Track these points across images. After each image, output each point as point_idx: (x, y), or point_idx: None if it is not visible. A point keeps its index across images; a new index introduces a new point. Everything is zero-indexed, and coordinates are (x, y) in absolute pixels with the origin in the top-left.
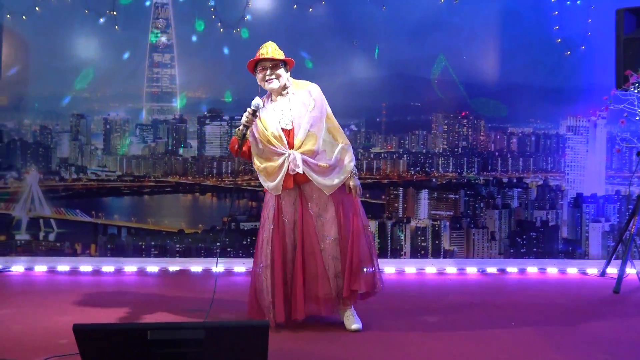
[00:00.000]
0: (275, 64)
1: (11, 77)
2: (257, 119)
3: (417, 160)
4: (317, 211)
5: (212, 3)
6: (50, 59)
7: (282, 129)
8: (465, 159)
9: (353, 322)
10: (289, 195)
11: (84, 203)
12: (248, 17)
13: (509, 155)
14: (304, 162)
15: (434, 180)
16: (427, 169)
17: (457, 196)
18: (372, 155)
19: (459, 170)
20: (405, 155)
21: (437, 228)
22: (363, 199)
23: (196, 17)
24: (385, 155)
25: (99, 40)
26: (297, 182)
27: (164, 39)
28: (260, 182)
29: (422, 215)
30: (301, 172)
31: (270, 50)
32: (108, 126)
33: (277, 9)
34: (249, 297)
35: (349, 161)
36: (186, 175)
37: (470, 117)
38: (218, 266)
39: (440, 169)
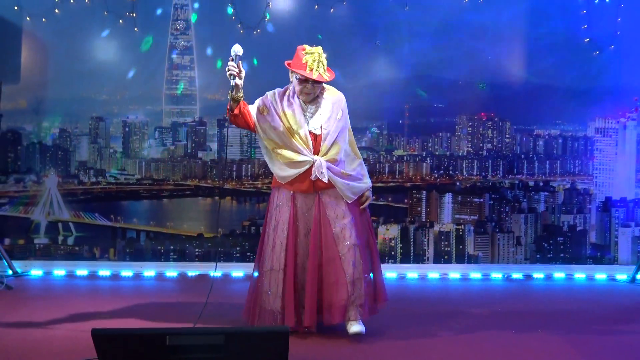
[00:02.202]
0: (317, 83)
1: (30, 79)
2: (282, 113)
3: (440, 163)
4: (334, 217)
5: (231, 4)
6: (70, 62)
7: (310, 132)
8: (490, 161)
9: (355, 324)
10: (307, 201)
11: (103, 207)
12: (268, 17)
13: (535, 158)
14: (328, 169)
15: (457, 183)
16: (450, 172)
17: (481, 200)
18: (394, 158)
19: (483, 174)
20: (428, 158)
21: (461, 232)
22: (386, 203)
23: (216, 19)
24: (408, 158)
25: (119, 42)
26: (317, 189)
27: (183, 40)
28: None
29: (446, 219)
30: (326, 181)
31: (321, 71)
32: (127, 129)
33: (298, 9)
34: (247, 298)
35: (367, 177)
36: (206, 179)
37: (495, 119)
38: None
39: (465, 172)
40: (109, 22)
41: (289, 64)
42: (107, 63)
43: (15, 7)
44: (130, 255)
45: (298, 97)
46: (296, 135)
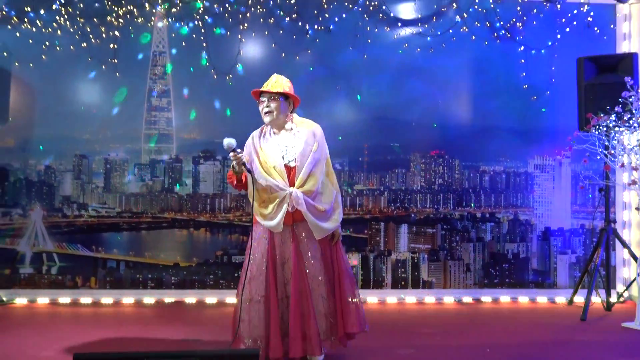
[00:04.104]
0: (272, 97)
1: (18, 120)
2: (259, 149)
3: (397, 197)
4: (307, 251)
5: (205, 53)
6: (55, 104)
7: (285, 165)
8: (441, 195)
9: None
10: (283, 232)
11: (85, 238)
12: (239, 65)
13: (481, 192)
14: (304, 201)
15: (412, 215)
16: (406, 204)
17: (434, 230)
18: (355, 192)
19: (435, 206)
20: (385, 192)
21: (416, 260)
22: (346, 234)
23: (191, 67)
24: (368, 192)
25: (101, 86)
26: (294, 220)
27: (161, 84)
28: (248, 218)
29: (402, 248)
30: (303, 210)
31: (272, 82)
32: (108, 166)
33: (266, 57)
34: (232, 328)
35: (340, 212)
36: (182, 212)
37: (446, 157)
38: (210, 297)
39: (419, 205)
40: (93, 67)
41: (254, 97)
42: (90, 105)
43: (5, 53)
44: (110, 284)
45: (274, 133)
46: (272, 169)
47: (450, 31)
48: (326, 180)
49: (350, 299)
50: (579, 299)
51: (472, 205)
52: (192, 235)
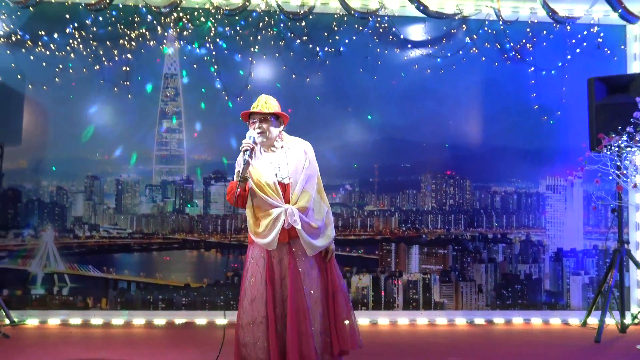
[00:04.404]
0: (264, 117)
1: (31, 141)
2: (252, 167)
3: (407, 218)
4: (304, 268)
5: (216, 74)
6: (68, 126)
7: (279, 182)
8: (452, 216)
9: None
10: (279, 250)
11: (96, 259)
12: (250, 86)
13: (493, 212)
14: (299, 218)
15: (423, 236)
16: (417, 225)
17: (445, 251)
18: (365, 213)
19: (447, 227)
20: (396, 213)
21: (427, 281)
22: (358, 254)
23: (203, 88)
24: (378, 213)
25: (113, 108)
26: (290, 237)
27: (172, 106)
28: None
29: (414, 269)
30: (299, 227)
31: (261, 103)
32: (120, 187)
33: (277, 78)
34: (234, 352)
35: (332, 228)
36: (192, 233)
37: (457, 177)
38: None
39: (430, 226)
40: (105, 89)
41: (243, 119)
42: (102, 127)
43: (19, 76)
44: (121, 305)
45: (265, 152)
46: (266, 187)
47: (460, 52)
48: (317, 197)
49: (345, 320)
50: (593, 320)
51: (484, 225)
52: (203, 256)
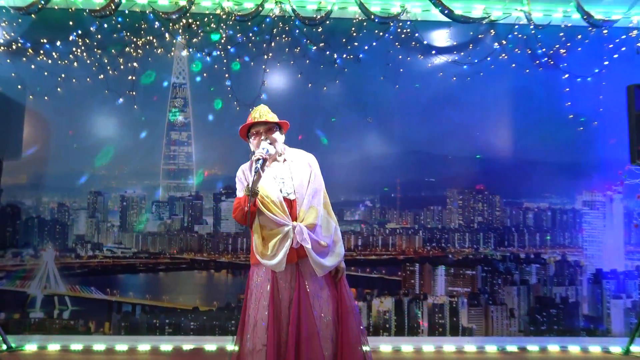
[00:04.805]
0: (269, 127)
1: (31, 155)
2: (243, 178)
3: (432, 236)
4: (313, 290)
5: (228, 82)
6: (70, 138)
7: (284, 198)
8: (481, 234)
9: None
10: (286, 271)
11: (99, 280)
12: (264, 95)
13: (525, 231)
14: (308, 236)
15: (450, 256)
16: (443, 244)
17: (474, 272)
18: (387, 231)
19: (475, 246)
20: (420, 231)
21: (454, 305)
22: (380, 275)
23: (215, 97)
24: (401, 231)
25: (118, 120)
26: (299, 257)
27: (181, 117)
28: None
29: (439, 291)
30: (308, 246)
31: (263, 112)
32: (125, 203)
33: (292, 87)
34: None
35: (341, 245)
36: (202, 252)
37: (485, 193)
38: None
39: (457, 245)
40: (110, 100)
41: (241, 133)
42: (107, 139)
43: (19, 86)
44: (125, 329)
45: (266, 166)
46: (271, 204)
47: (489, 59)
48: (325, 213)
49: (356, 345)
50: (636, 348)
51: (516, 245)
52: (213, 277)
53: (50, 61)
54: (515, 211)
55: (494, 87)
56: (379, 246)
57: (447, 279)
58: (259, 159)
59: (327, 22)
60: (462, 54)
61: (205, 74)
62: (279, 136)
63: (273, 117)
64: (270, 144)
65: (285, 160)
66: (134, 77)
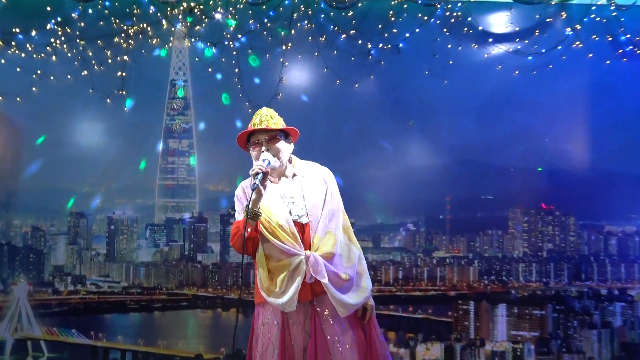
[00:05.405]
0: (272, 136)
1: (0, 169)
2: (243, 198)
3: (491, 267)
4: (334, 334)
5: (238, 80)
6: (47, 148)
7: (295, 222)
8: (552, 264)
9: None
10: (298, 311)
11: (82, 321)
12: (281, 94)
13: (607, 261)
14: (324, 268)
15: (513, 292)
16: (503, 277)
17: (543, 312)
18: (434, 261)
19: (544, 280)
20: (475, 261)
21: (519, 353)
22: (425, 316)
23: (223, 93)
24: (452, 260)
25: (105, 125)
26: (313, 295)
27: (181, 121)
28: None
29: (500, 336)
30: (325, 281)
31: (266, 118)
32: (113, 227)
33: (316, 85)
34: None
35: (367, 278)
36: (206, 287)
37: (557, 213)
38: None
39: (521, 278)
40: (95, 101)
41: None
42: (91, 149)
43: None
44: None
45: (272, 182)
46: (277, 229)
47: (559, 48)
48: (345, 238)
49: None
50: None
51: (595, 278)
52: (220, 318)
53: (23, 54)
54: (594, 236)
55: (566, 83)
56: (424, 279)
57: (509, 321)
58: (257, 173)
59: (359, 4)
60: (527, 42)
61: (210, 69)
62: (284, 146)
63: (277, 123)
64: (273, 155)
65: (295, 175)
66: (124, 73)
